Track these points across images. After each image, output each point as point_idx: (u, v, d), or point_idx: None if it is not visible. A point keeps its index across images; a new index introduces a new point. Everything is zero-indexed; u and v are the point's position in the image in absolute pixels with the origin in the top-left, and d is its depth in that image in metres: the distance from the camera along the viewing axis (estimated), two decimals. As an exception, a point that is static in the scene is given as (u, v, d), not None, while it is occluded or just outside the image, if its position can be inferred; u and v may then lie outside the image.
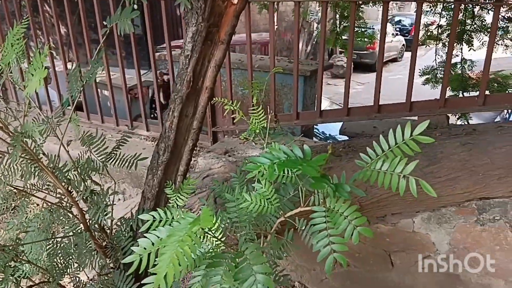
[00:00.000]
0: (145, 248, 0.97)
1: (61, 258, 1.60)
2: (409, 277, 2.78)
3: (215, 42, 1.52)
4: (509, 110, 5.28)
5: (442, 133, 2.71)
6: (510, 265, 2.41)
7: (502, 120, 5.48)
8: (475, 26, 3.87)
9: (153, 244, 0.98)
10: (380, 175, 0.93)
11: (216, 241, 1.06)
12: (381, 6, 2.84)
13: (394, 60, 15.59)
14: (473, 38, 3.88)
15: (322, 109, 3.25)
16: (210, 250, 1.09)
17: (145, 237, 1.03)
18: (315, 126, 5.19)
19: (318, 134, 5.58)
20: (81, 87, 1.46)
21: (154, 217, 1.16)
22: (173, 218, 1.15)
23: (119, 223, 1.71)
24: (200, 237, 0.91)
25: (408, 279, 2.78)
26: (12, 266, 1.57)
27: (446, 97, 2.80)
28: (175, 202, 1.63)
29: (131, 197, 3.77)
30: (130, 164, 1.71)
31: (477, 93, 4.82)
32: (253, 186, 1.18)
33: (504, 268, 2.44)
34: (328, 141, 5.12)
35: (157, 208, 1.27)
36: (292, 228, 1.24)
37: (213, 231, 1.08)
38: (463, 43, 3.94)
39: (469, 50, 3.94)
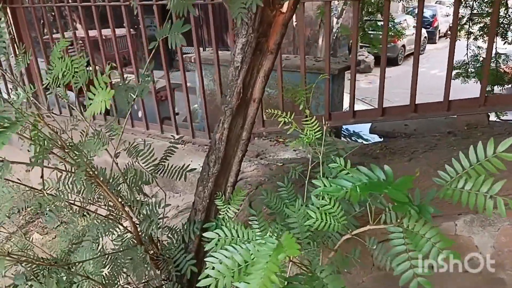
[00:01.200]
0: (220, 272, 0.96)
1: (115, 271, 1.61)
2: (451, 281, 2.73)
3: (263, 52, 1.50)
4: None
5: (483, 133, 2.64)
6: (559, 268, 2.34)
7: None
8: (509, 18, 3.75)
9: (227, 267, 0.97)
10: (463, 195, 0.90)
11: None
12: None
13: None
14: (507, 31, 3.76)
15: (345, 107, 3.20)
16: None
17: (213, 256, 1.03)
18: (343, 126, 5.13)
19: (344, 133, 5.51)
20: (133, 100, 1.45)
21: (219, 235, 1.15)
22: (238, 236, 1.14)
23: (170, 235, 1.72)
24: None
25: (451, 283, 2.73)
26: (65, 279, 1.59)
27: (485, 94, 2.71)
28: (225, 213, 1.62)
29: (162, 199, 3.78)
30: (180, 175, 1.70)
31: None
32: (313, 199, 1.16)
33: (552, 272, 2.37)
34: (361, 142, 5.04)
35: (218, 225, 1.26)
36: (358, 246, 1.21)
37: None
38: (497, 36, 3.81)
39: (504, 44, 3.83)
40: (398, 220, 0.95)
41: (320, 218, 1.10)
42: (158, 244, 1.72)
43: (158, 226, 1.54)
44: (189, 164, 1.73)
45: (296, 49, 8.71)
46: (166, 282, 1.66)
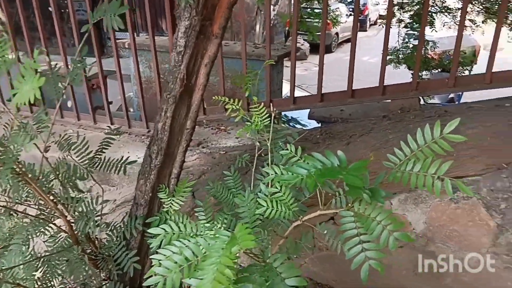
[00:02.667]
0: (168, 269, 0.90)
1: (49, 274, 1.48)
2: (386, 256, 2.88)
3: (208, 37, 1.43)
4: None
5: (415, 116, 2.77)
6: (482, 238, 2.55)
7: (456, 96, 5.74)
8: (437, 7, 3.98)
9: (175, 262, 0.91)
10: (412, 177, 0.92)
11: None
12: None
13: (348, 40, 15.88)
14: (434, 19, 3.99)
15: (284, 94, 3.23)
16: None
17: (160, 253, 0.97)
18: (282, 112, 5.18)
19: (283, 120, 5.59)
20: (64, 88, 1.32)
21: (165, 230, 1.09)
22: (186, 230, 1.09)
23: (109, 232, 1.61)
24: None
25: (385, 258, 2.88)
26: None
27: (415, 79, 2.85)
28: (170, 206, 1.55)
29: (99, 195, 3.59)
30: (118, 168, 1.60)
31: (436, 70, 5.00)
32: (261, 188, 1.13)
33: (476, 242, 2.57)
34: (300, 128, 5.12)
35: (162, 219, 1.20)
36: (310, 231, 1.21)
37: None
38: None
39: (431, 31, 4.06)
40: (350, 204, 0.96)
41: (271, 206, 1.08)
42: (97, 243, 1.61)
43: (96, 223, 1.43)
44: (128, 157, 1.63)
45: (234, 36, 8.62)
46: (106, 281, 1.56)
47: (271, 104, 3.22)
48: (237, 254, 0.81)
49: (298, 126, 5.51)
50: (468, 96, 5.15)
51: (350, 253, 0.89)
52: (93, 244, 1.60)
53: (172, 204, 1.53)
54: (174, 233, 1.08)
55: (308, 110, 4.50)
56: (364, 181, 0.89)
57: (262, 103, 1.49)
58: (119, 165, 1.60)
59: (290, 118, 5.83)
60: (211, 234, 0.92)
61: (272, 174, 0.99)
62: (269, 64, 3.29)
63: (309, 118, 4.65)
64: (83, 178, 1.53)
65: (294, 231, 1.18)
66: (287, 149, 1.11)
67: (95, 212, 1.47)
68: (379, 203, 0.90)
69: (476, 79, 2.67)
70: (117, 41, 3.36)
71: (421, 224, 2.71)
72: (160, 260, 0.93)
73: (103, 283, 1.57)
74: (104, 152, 1.62)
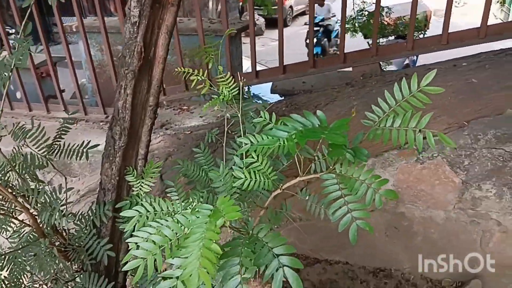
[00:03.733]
0: (148, 250, 0.84)
1: (17, 271, 1.38)
2: (370, 216, 2.93)
3: (163, 5, 1.33)
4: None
5: (377, 81, 2.80)
6: (448, 195, 2.64)
7: (411, 63, 5.88)
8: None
9: (154, 243, 0.85)
10: (393, 133, 0.89)
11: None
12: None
13: (303, 13, 15.83)
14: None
15: (245, 70, 3.17)
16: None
17: (136, 235, 0.91)
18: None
19: (245, 97, 5.51)
20: (9, 77, 1.19)
21: (139, 212, 1.02)
22: (162, 209, 1.03)
23: (77, 221, 1.51)
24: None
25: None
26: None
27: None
28: (139, 189, 1.47)
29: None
30: (80, 154, 1.49)
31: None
32: (235, 160, 1.08)
33: (443, 200, 2.67)
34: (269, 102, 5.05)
35: (133, 203, 1.13)
36: (287, 198, 1.18)
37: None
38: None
39: (384, -2, 4.08)
40: (331, 167, 0.93)
41: (249, 177, 1.04)
42: (65, 234, 1.51)
43: (62, 213, 1.34)
44: (90, 141, 1.52)
45: (187, 14, 8.37)
46: (79, 273, 1.48)
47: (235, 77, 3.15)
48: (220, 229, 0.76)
49: (261, 101, 5.46)
50: (423, 62, 5.29)
51: (336, 215, 0.86)
52: (61, 236, 1.50)
53: (141, 186, 1.46)
54: (149, 214, 1.02)
55: (270, 85, 4.47)
56: (345, 141, 0.86)
57: (228, 73, 1.43)
58: (80, 151, 1.50)
59: (252, 94, 5.75)
60: (190, 211, 0.87)
61: (247, 144, 0.95)
62: (228, 37, 3.20)
63: (271, 93, 4.61)
64: (42, 166, 1.42)
65: (273, 201, 1.15)
66: (261, 118, 1.07)
67: (59, 202, 1.37)
68: (359, 164, 0.88)
69: (433, 40, 2.71)
70: (64, 25, 3.15)
71: (389, 187, 2.77)
72: (138, 242, 0.88)
73: (76, 275, 1.49)
74: (63, 138, 1.51)
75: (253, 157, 1.05)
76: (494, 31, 2.63)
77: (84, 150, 1.50)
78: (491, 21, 2.71)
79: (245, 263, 0.83)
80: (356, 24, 4.29)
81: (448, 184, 2.60)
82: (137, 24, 1.28)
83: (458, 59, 2.81)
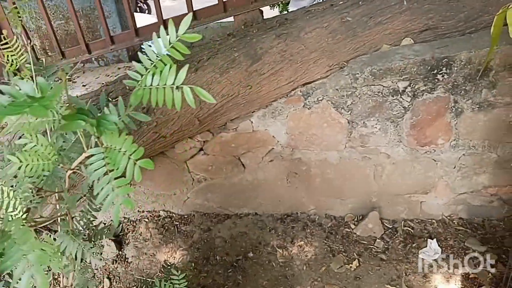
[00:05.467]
0: None
1: None
2: (260, 172, 2.93)
3: None
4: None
5: (258, 29, 2.68)
6: (338, 136, 2.67)
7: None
8: None
9: None
10: (152, 93, 0.79)
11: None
12: None
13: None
14: None
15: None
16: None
17: None
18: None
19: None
20: None
21: None
22: None
23: None
24: None
25: (260, 174, 2.94)
26: None
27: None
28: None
29: None
30: None
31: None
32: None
33: (334, 141, 2.70)
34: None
35: None
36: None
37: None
38: None
39: None
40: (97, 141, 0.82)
41: (27, 161, 0.90)
42: None
43: None
44: None
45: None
46: None
47: (112, 40, 2.90)
48: None
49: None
50: None
51: (102, 193, 0.76)
52: None
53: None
54: None
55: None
56: (90, 111, 0.74)
57: (15, 37, 1.23)
58: None
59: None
60: None
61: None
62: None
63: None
64: None
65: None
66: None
67: None
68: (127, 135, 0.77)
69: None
70: None
71: (283, 135, 2.76)
72: None
73: None
74: None
75: (27, 137, 0.91)
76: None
77: None
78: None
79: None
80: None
81: (336, 126, 2.63)
82: None
83: (336, -3, 2.74)
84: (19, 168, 0.89)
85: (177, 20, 2.96)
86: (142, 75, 0.82)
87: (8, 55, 1.15)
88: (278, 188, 3.02)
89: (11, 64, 1.14)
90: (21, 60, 1.14)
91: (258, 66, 2.46)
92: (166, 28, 2.69)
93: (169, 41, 0.81)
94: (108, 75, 3.22)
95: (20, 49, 1.16)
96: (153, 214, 3.26)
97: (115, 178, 0.76)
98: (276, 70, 2.48)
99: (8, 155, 0.88)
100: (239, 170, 2.96)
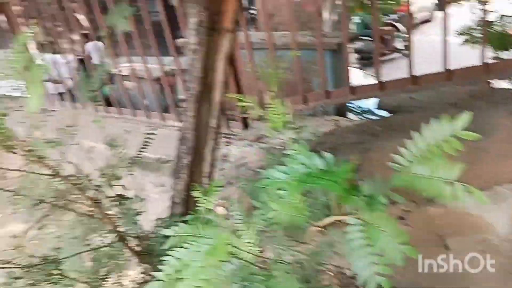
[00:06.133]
0: (167, 273, 0.89)
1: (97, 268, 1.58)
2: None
3: (220, 32, 1.39)
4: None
5: (486, 102, 2.48)
6: None
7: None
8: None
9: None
10: (421, 181, 0.79)
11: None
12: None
13: (426, 21, 14.70)
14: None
15: (351, 84, 3.05)
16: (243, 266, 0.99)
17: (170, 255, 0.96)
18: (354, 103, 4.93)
19: (354, 109, 5.29)
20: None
21: (176, 232, 1.09)
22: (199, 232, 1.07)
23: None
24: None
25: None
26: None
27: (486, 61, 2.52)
28: (203, 206, 1.55)
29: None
30: (156, 168, 1.64)
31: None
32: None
33: None
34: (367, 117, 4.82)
35: (188, 213, 1.21)
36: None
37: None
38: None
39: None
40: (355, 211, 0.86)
41: (283, 211, 1.01)
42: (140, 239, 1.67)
43: (134, 222, 1.49)
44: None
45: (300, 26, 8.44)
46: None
47: (327, 95, 3.09)
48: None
49: (373, 117, 5.19)
50: None
51: (359, 266, 0.79)
52: (140, 240, 1.65)
53: (205, 203, 1.53)
54: (187, 235, 1.07)
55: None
56: (359, 188, 0.79)
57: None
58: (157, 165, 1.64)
59: (364, 109, 5.50)
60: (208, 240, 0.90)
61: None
62: (326, 52, 3.15)
63: (378, 109, 4.40)
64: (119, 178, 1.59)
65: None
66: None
67: (134, 211, 1.53)
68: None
69: None
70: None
71: (506, 225, 2.41)
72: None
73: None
74: (146, 148, 1.64)
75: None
76: None
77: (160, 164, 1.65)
78: None
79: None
80: (475, 35, 3.79)
81: None
82: (195, 51, 1.36)
83: None
84: (276, 216, 1.01)
85: (395, 84, 2.95)
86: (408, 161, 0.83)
87: (271, 114, 1.34)
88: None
89: (274, 123, 1.32)
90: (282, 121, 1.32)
91: (484, 143, 2.25)
92: (381, 89, 2.65)
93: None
94: (318, 126, 3.42)
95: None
96: None
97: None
98: (506, 151, 2.23)
99: (271, 203, 1.01)
100: (439, 251, 2.69)
